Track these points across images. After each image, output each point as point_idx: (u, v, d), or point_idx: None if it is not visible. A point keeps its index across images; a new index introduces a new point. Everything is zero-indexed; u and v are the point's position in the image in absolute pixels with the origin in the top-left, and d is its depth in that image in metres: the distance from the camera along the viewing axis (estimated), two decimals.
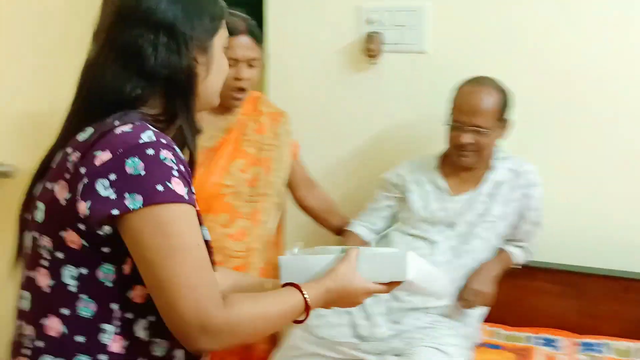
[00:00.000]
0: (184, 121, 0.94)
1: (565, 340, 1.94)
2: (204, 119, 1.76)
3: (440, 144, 1.99)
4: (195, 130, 0.97)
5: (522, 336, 1.98)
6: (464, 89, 1.85)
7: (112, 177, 0.84)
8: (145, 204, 0.83)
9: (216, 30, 0.97)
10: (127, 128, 0.87)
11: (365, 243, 1.98)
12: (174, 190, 0.84)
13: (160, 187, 0.83)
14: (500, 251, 1.91)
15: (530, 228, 1.90)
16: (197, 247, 0.87)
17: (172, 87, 0.92)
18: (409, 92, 2.19)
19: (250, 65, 1.76)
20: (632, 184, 2.00)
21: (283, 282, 1.07)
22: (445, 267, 1.80)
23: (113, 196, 0.83)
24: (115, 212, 0.83)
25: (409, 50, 2.18)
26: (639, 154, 1.99)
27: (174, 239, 0.84)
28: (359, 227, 2.01)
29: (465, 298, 1.77)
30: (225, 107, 1.77)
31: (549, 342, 1.94)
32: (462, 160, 1.86)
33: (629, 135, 1.99)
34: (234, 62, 1.69)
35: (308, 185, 2.08)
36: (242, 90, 1.76)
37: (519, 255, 1.93)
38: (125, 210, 0.83)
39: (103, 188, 0.84)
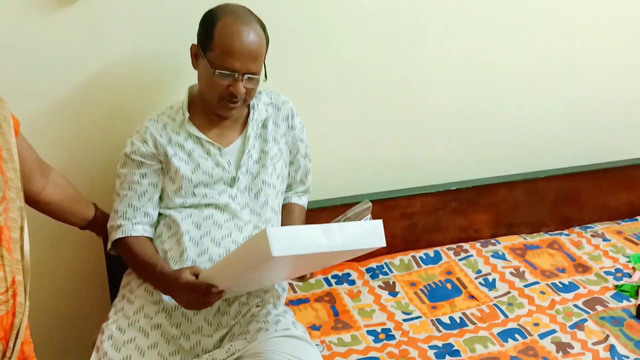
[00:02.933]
0: None
1: (353, 273, 1.96)
2: None
3: (182, 86, 1.66)
4: None
5: (316, 282, 1.91)
6: (229, 26, 1.44)
7: None
8: None
9: None
10: None
11: (152, 241, 1.56)
12: None
13: None
14: (293, 207, 1.75)
15: (305, 162, 1.78)
16: None
17: None
18: (135, 25, 1.71)
19: None
20: (390, 104, 2.06)
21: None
22: (252, 229, 1.57)
23: None
24: None
25: None
26: (391, 69, 2.03)
27: None
28: (136, 229, 1.54)
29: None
30: None
31: (342, 279, 1.93)
32: (230, 113, 1.56)
33: (373, 58, 2.01)
34: None
35: (43, 171, 1.48)
36: None
37: (306, 202, 1.81)
38: None
39: None
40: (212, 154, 1.57)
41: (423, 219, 2.11)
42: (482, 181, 2.17)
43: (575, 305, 1.81)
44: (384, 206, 2.04)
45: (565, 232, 2.26)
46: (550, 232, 2.25)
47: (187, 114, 1.57)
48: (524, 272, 1.99)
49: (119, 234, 1.53)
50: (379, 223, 1.32)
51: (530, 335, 1.69)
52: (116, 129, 1.76)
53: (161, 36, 1.73)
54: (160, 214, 1.58)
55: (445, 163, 2.18)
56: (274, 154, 1.65)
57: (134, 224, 1.53)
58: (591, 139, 2.41)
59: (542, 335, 1.68)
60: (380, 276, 1.95)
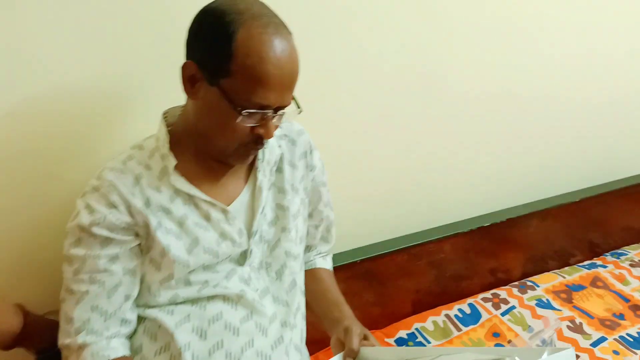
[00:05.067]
0: None
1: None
2: None
3: (135, 118, 1.18)
4: None
5: None
6: (258, 41, 0.88)
7: None
8: None
9: None
10: None
11: None
12: None
13: None
14: (321, 273, 1.26)
15: (328, 213, 1.29)
16: None
17: None
18: (64, 31, 1.13)
19: None
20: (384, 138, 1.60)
21: None
22: (280, 328, 1.07)
23: None
24: None
25: None
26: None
27: None
28: (114, 347, 0.97)
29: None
30: None
31: None
32: (246, 160, 1.04)
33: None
34: None
35: None
36: None
37: (331, 265, 1.32)
38: None
39: None
40: (214, 220, 1.03)
41: (452, 265, 1.69)
42: (513, 212, 1.78)
43: None
44: (410, 255, 1.60)
45: (599, 262, 1.93)
46: (582, 264, 1.92)
47: (173, 160, 1.02)
48: (581, 323, 1.63)
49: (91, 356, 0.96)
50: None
51: None
52: (55, 183, 1.17)
53: (95, 46, 1.15)
54: (145, 315, 1.03)
55: (457, 198, 1.76)
56: (296, 211, 1.14)
57: (107, 338, 0.97)
58: (596, 157, 2.11)
59: None
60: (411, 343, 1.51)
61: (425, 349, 1.27)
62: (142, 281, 1.02)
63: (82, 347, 0.96)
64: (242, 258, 1.08)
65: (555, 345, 0.88)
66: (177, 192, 1.01)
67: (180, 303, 1.03)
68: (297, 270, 1.13)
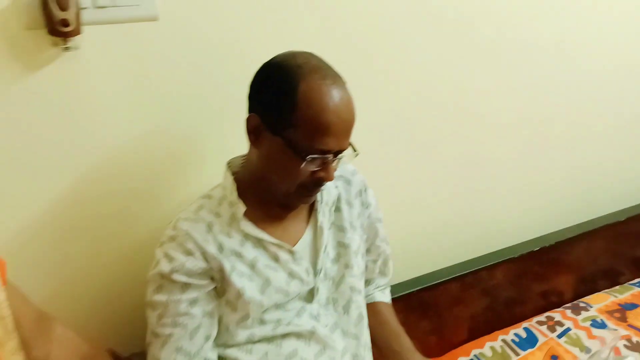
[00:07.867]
0: None
1: None
2: None
3: (200, 157, 1.27)
4: None
5: None
6: (318, 92, 0.96)
7: None
8: None
9: None
10: None
11: None
12: None
13: None
14: (381, 307, 1.32)
15: (384, 247, 1.35)
16: None
17: None
18: (131, 84, 1.22)
19: None
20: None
21: None
22: None
23: None
24: None
25: (128, 17, 1.19)
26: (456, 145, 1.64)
27: None
28: None
29: None
30: None
31: None
32: (307, 201, 1.13)
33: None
34: None
35: (43, 330, 0.95)
36: None
37: (390, 298, 1.37)
38: None
39: None
40: (282, 261, 1.10)
41: (504, 291, 1.71)
42: (560, 235, 1.81)
43: None
44: (463, 283, 1.64)
45: None
46: (632, 282, 1.93)
47: (242, 207, 1.09)
48: (638, 342, 1.63)
49: None
50: None
51: None
52: (128, 240, 1.25)
53: (165, 93, 1.25)
54: (222, 354, 1.09)
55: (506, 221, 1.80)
56: (356, 247, 1.20)
57: None
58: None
59: None
60: None
61: None
62: (220, 322, 1.09)
63: None
64: (310, 295, 1.14)
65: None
66: (247, 236, 1.09)
67: (257, 342, 1.09)
68: (363, 304, 1.19)
